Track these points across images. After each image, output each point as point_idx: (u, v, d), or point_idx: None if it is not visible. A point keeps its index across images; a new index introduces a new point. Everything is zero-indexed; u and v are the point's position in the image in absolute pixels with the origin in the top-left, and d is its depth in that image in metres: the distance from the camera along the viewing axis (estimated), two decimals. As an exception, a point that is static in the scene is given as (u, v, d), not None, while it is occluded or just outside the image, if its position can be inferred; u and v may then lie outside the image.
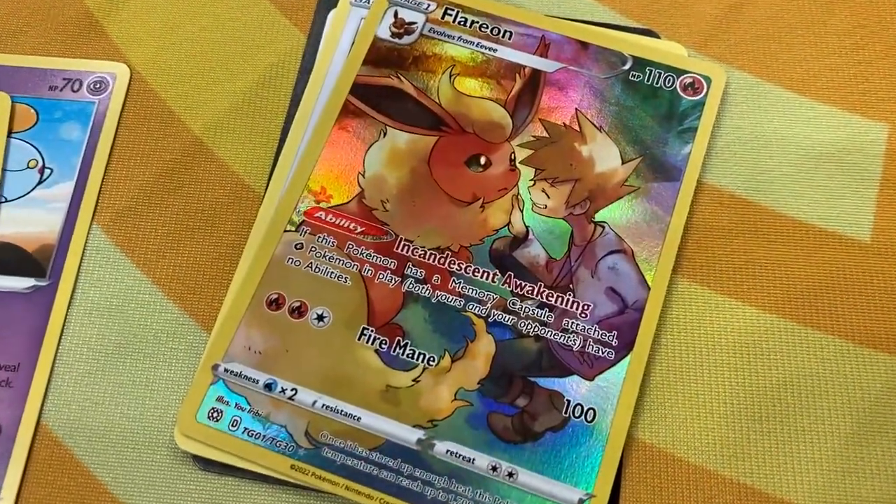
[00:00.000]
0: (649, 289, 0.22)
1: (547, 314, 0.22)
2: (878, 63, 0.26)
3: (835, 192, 0.24)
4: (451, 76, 0.24)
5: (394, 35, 0.25)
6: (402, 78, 0.24)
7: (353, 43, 0.25)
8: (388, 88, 0.24)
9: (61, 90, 0.26)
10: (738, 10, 0.26)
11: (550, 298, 0.22)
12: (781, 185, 0.24)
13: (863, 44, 0.26)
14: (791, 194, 0.24)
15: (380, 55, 0.25)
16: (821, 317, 0.23)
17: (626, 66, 0.25)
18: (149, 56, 0.26)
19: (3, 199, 0.24)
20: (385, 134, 0.24)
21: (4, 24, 0.27)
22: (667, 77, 0.24)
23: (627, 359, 0.21)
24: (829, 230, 0.24)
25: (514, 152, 0.23)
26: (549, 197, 0.23)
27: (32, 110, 0.26)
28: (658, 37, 0.26)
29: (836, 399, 0.22)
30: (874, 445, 0.21)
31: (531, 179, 0.23)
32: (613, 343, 0.22)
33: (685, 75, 0.24)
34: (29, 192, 0.25)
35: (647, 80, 0.24)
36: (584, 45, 0.25)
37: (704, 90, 0.24)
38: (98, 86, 0.26)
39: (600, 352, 0.21)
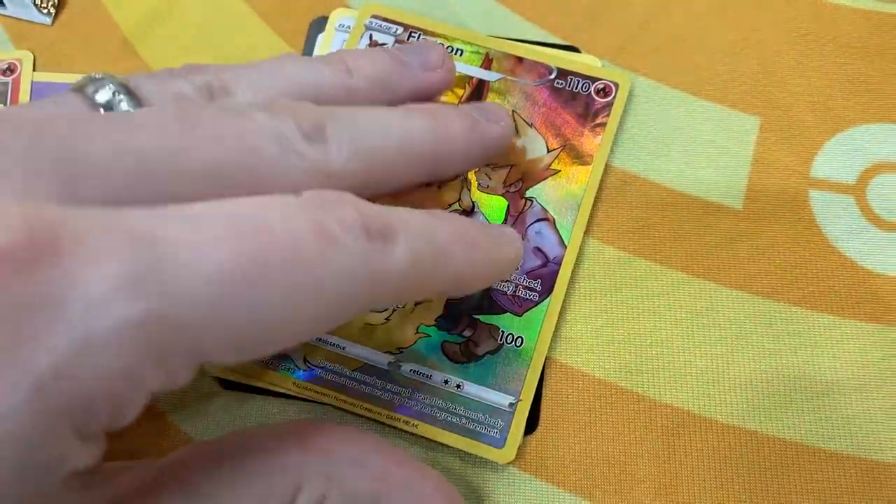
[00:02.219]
0: (566, 247, 0.29)
1: None
2: (755, 68, 0.32)
3: (716, 171, 0.31)
4: None
5: None
6: None
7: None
8: None
9: (105, 102, 0.33)
10: (643, 29, 0.33)
11: None
12: (674, 166, 0.31)
13: (742, 54, 0.32)
14: (681, 174, 0.31)
15: None
16: (701, 267, 0.29)
17: (553, 76, 0.31)
18: (174, 74, 0.33)
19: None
20: None
21: (57, 49, 0.33)
22: (583, 84, 0.31)
23: (548, 300, 0.28)
24: (710, 201, 0.30)
25: None
26: (490, 179, 0.29)
27: (83, 118, 0.32)
28: (579, 51, 0.32)
29: (709, 329, 0.28)
30: (736, 362, 0.28)
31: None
32: (538, 289, 0.28)
33: (598, 82, 0.31)
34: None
35: (569, 87, 0.31)
36: (520, 60, 0.31)
37: (613, 93, 0.31)
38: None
39: (528, 295, 0.28)
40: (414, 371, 0.27)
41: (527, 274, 0.28)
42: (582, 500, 0.26)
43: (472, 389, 0.27)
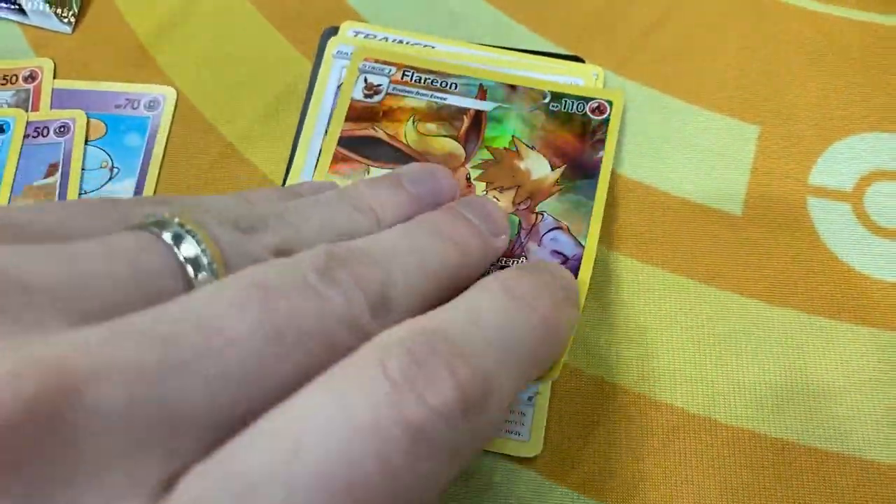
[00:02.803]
0: (583, 246, 0.28)
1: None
2: (755, 78, 0.33)
3: (716, 178, 0.31)
4: (413, 122, 0.31)
5: (366, 96, 0.31)
6: (376, 128, 0.31)
7: (334, 105, 0.32)
8: (366, 138, 0.31)
9: (124, 108, 0.33)
10: (646, 40, 0.34)
11: (510, 262, 0.28)
12: (676, 173, 0.32)
13: (744, 63, 0.33)
14: (684, 180, 0.31)
15: (357, 113, 0.31)
16: (702, 272, 0.30)
17: (547, 100, 0.31)
18: (190, 81, 0.34)
19: (83, 192, 0.32)
20: (369, 172, 0.30)
21: (77, 56, 0.34)
22: (578, 104, 0.31)
23: None
24: (711, 207, 0.31)
25: (468, 173, 0.30)
26: (499, 201, 0.30)
27: (103, 123, 0.33)
28: (583, 61, 0.33)
29: (710, 332, 0.29)
30: (736, 364, 0.29)
31: (483, 190, 0.30)
32: None
33: (592, 101, 0.31)
34: (102, 187, 0.32)
35: (564, 108, 0.31)
36: (513, 87, 0.32)
37: (608, 111, 0.31)
38: (152, 104, 0.33)
39: None
40: None
41: None
42: (587, 500, 0.27)
43: None
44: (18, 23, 0.35)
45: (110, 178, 0.32)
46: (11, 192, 0.32)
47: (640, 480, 0.27)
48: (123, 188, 0.32)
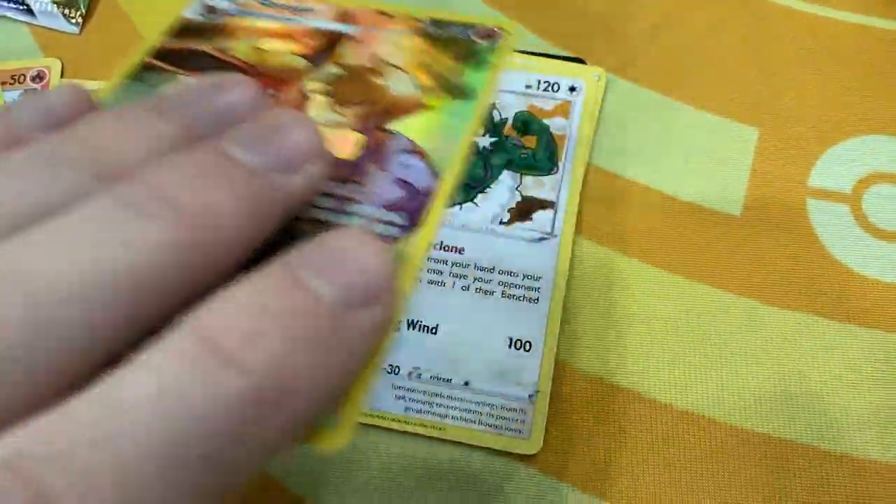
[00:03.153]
0: (438, 178, 0.21)
1: (331, 201, 0.21)
2: (754, 82, 0.33)
3: (716, 180, 0.32)
4: (251, 39, 0.26)
5: (202, 15, 0.26)
6: (203, 43, 0.25)
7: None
8: (186, 51, 0.25)
9: (130, 108, 0.34)
10: (648, 43, 0.34)
11: (343, 189, 0.21)
12: (676, 174, 0.32)
13: (744, 67, 0.34)
14: (682, 182, 0.32)
15: (184, 30, 0.26)
16: (701, 272, 0.30)
17: (425, 25, 0.26)
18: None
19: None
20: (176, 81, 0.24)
21: (84, 57, 0.35)
22: (462, 30, 0.28)
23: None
24: (710, 208, 0.31)
25: (304, 86, 0.24)
26: (342, 116, 0.23)
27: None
28: (585, 63, 0.34)
29: (707, 332, 0.29)
30: (733, 364, 0.29)
31: (326, 108, 0.24)
32: (400, 223, 0.21)
33: (479, 27, 0.28)
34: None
35: (445, 33, 0.26)
36: (389, 16, 0.26)
37: (499, 37, 0.28)
38: (158, 104, 0.34)
39: (386, 231, 0.20)
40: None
41: (384, 207, 0.25)
42: (592, 498, 0.27)
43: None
44: (27, 23, 0.36)
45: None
46: None
47: (639, 477, 0.27)
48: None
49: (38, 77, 0.34)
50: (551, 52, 0.34)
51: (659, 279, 0.30)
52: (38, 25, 0.36)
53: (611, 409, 0.28)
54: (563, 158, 0.32)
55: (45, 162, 0.13)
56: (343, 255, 0.13)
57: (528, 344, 0.29)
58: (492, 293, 0.30)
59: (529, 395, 0.28)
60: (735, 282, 0.30)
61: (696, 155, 0.32)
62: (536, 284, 0.30)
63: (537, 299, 0.29)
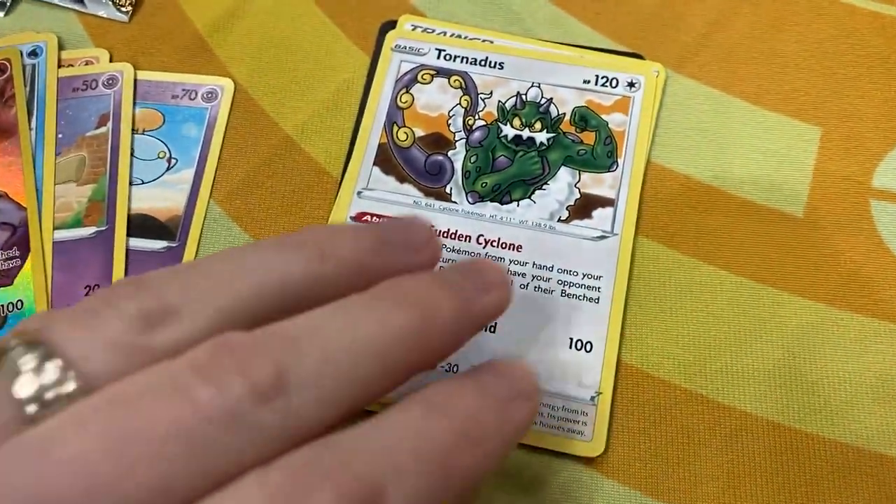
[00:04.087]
0: (25, 209, 0.29)
1: None
2: (815, 79, 0.33)
3: (777, 179, 0.31)
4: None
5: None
6: None
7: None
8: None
9: (181, 98, 0.33)
10: (707, 38, 0.34)
11: None
12: (736, 173, 0.31)
13: (804, 64, 0.33)
14: (743, 180, 0.31)
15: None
16: (763, 273, 0.30)
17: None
18: (248, 73, 0.34)
19: (141, 182, 0.32)
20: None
21: (136, 46, 0.34)
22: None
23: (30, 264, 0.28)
24: (772, 208, 0.31)
25: None
26: None
27: (159, 114, 0.33)
28: (643, 58, 0.33)
29: (771, 334, 0.29)
30: (797, 367, 0.28)
31: None
32: (18, 255, 0.29)
33: None
34: (160, 177, 0.32)
35: None
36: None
37: (8, 69, 0.33)
38: (209, 95, 0.33)
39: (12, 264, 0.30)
40: None
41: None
42: (649, 499, 0.27)
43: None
44: (77, 11, 0.35)
45: (168, 169, 0.32)
46: (57, 119, 0.33)
47: (702, 481, 0.27)
48: (182, 178, 0.32)
49: (111, 82, 0.34)
50: (608, 46, 0.33)
51: (720, 279, 0.29)
52: (87, 13, 0.35)
53: (673, 411, 0.28)
54: (622, 155, 0.31)
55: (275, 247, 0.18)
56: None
57: (588, 344, 0.28)
58: (551, 292, 0.29)
59: (591, 397, 0.28)
60: (798, 284, 0.29)
61: (756, 153, 0.32)
62: (597, 284, 0.29)
63: (598, 299, 0.29)
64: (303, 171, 0.32)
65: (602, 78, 0.32)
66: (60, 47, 0.34)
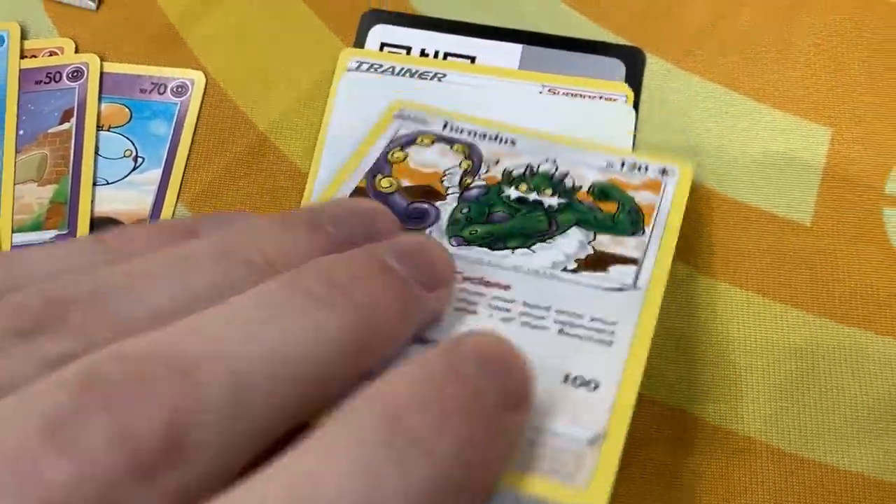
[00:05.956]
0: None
1: None
2: (827, 77, 0.31)
3: (784, 184, 0.29)
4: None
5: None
6: None
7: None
8: None
9: (149, 93, 0.31)
10: (712, 30, 0.31)
11: None
12: (741, 177, 0.29)
13: (815, 60, 0.31)
14: (748, 185, 0.29)
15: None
16: (769, 286, 0.28)
17: None
18: (221, 66, 0.32)
19: (105, 182, 0.30)
20: None
21: (101, 36, 0.32)
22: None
23: None
24: (778, 215, 0.29)
25: None
26: None
27: (126, 109, 0.31)
28: (644, 54, 0.31)
29: (772, 347, 0.27)
30: (803, 388, 0.27)
31: None
32: None
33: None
34: (125, 177, 0.30)
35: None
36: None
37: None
38: (179, 89, 0.31)
39: None
40: None
41: None
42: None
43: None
44: (40, -2, 0.33)
45: (134, 168, 0.30)
46: (18, 114, 0.31)
47: (699, 513, 0.25)
48: (148, 179, 0.30)
49: (76, 75, 0.32)
50: (608, 39, 0.31)
51: (722, 293, 0.28)
52: (52, 1, 0.33)
53: (671, 433, 0.26)
54: (650, 224, 0.26)
55: (209, 258, 0.15)
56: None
57: (592, 383, 0.24)
58: (545, 329, 0.24)
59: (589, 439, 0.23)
60: (804, 297, 0.27)
61: (762, 156, 0.29)
62: (610, 329, 0.25)
63: (611, 342, 0.25)
64: (276, 171, 0.30)
65: (630, 163, 0.27)
66: (23, 37, 0.32)
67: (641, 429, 0.26)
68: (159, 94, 0.31)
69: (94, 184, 0.30)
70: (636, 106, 0.30)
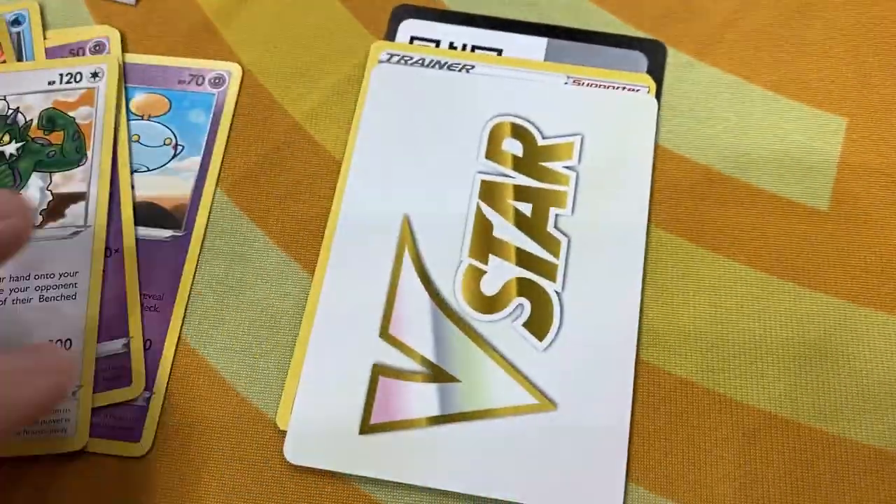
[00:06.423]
0: None
1: None
2: (843, 68, 0.32)
3: (801, 171, 0.30)
4: None
5: None
6: None
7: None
8: None
9: (188, 84, 0.33)
10: (730, 24, 0.32)
11: None
12: (759, 164, 0.30)
13: (831, 52, 0.32)
14: (766, 173, 0.30)
15: None
16: (785, 269, 0.28)
17: None
18: (257, 58, 0.33)
19: (146, 169, 0.31)
20: None
21: (142, 30, 0.33)
22: None
23: None
24: (795, 201, 0.30)
25: None
26: None
27: (166, 99, 0.32)
28: (665, 47, 0.32)
29: (791, 331, 0.28)
30: (818, 365, 0.27)
31: None
32: None
33: None
34: (165, 164, 0.31)
35: None
36: None
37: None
38: (217, 81, 0.33)
39: None
40: None
41: None
42: (662, 499, 0.26)
43: None
44: (81, -6, 0.34)
45: (174, 156, 0.31)
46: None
47: (717, 481, 0.26)
48: (187, 166, 0.31)
49: (97, 48, 0.33)
50: (628, 33, 0.32)
51: (740, 274, 0.29)
52: (93, -3, 0.34)
53: (687, 407, 0.27)
54: (90, 147, 0.30)
55: None
56: None
57: (68, 342, 0.27)
58: (29, 300, 0.28)
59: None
60: (821, 280, 0.28)
61: (779, 144, 0.30)
62: (73, 281, 0.28)
63: (74, 296, 0.28)
64: (311, 159, 0.31)
65: (66, 75, 0.32)
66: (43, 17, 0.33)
67: (662, 405, 0.27)
68: (197, 84, 0.32)
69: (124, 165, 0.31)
70: (658, 97, 0.31)
